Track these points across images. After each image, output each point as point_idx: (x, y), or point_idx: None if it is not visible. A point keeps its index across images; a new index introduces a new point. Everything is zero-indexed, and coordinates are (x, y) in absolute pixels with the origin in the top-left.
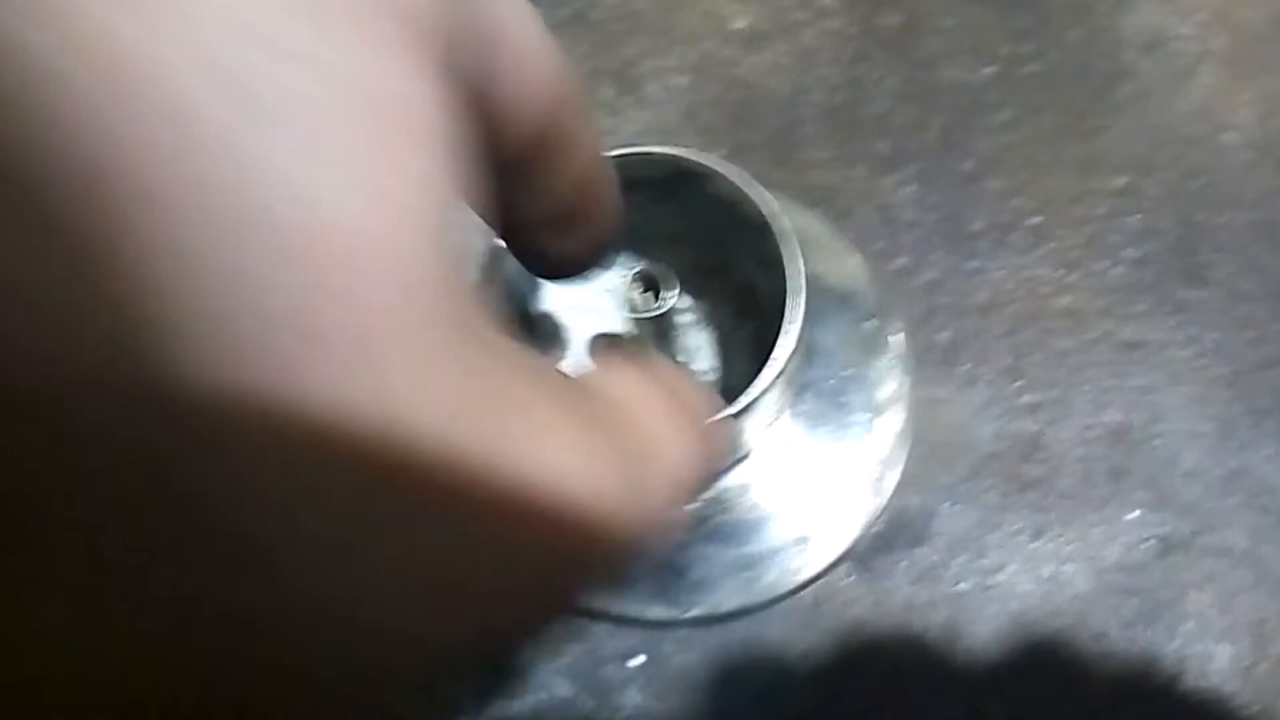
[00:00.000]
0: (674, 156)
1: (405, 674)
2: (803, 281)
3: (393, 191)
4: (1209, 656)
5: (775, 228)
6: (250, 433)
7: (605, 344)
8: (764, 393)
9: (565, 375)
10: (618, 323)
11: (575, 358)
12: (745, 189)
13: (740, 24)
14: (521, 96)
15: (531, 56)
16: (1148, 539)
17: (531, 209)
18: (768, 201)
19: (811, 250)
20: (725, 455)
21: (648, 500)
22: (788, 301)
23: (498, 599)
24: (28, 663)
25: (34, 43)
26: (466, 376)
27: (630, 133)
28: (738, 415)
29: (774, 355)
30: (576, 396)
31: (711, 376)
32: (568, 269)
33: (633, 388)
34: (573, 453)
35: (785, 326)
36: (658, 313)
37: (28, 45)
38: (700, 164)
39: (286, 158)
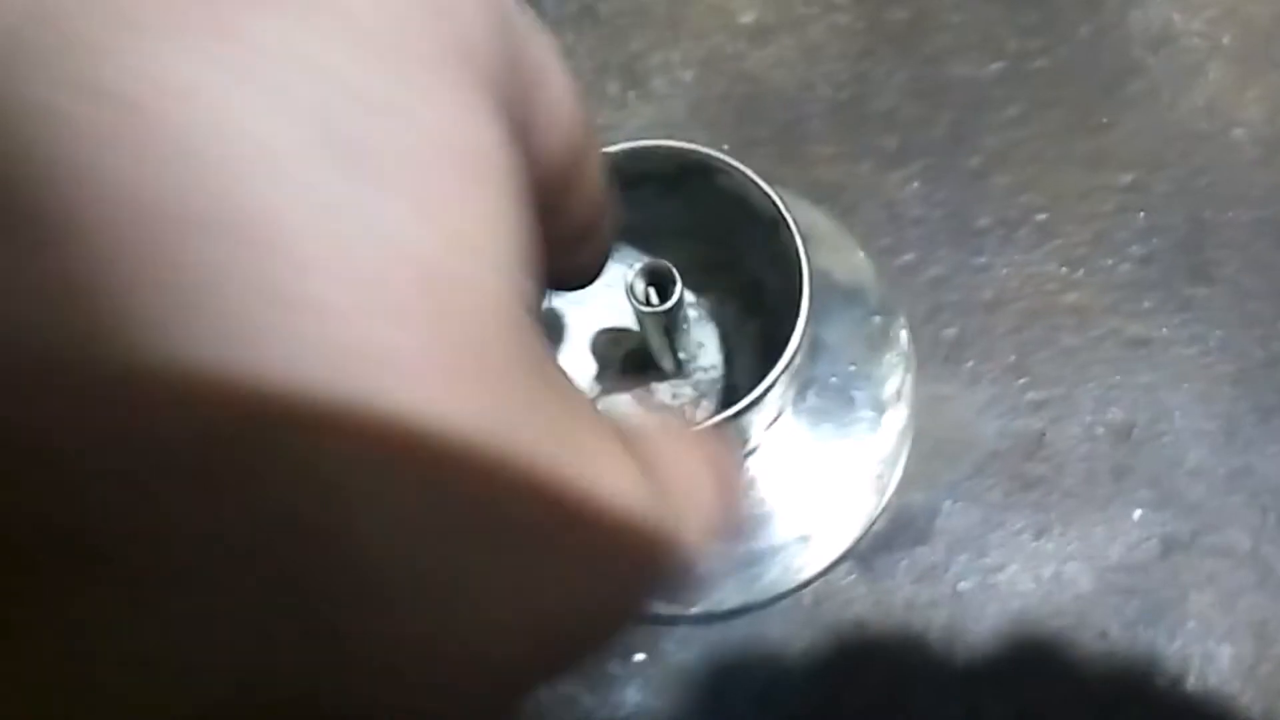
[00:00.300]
0: (681, 150)
1: (499, 698)
2: (809, 279)
3: (468, 232)
4: (1211, 657)
5: (785, 224)
6: (371, 467)
7: (610, 338)
8: (769, 389)
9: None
10: (624, 317)
11: (581, 352)
12: (751, 186)
13: (747, 18)
14: (554, 135)
15: (562, 96)
16: (1150, 538)
17: (546, 231)
18: (774, 198)
19: (817, 246)
20: (743, 507)
21: (692, 536)
22: (800, 299)
23: (588, 623)
24: (155, 688)
25: (129, 93)
26: (547, 410)
27: (636, 127)
28: (743, 412)
29: (784, 354)
30: (626, 435)
31: (715, 372)
32: (573, 282)
33: (664, 434)
34: (641, 486)
35: (797, 324)
36: (664, 308)
37: (124, 96)
38: (708, 158)
39: (370, 200)
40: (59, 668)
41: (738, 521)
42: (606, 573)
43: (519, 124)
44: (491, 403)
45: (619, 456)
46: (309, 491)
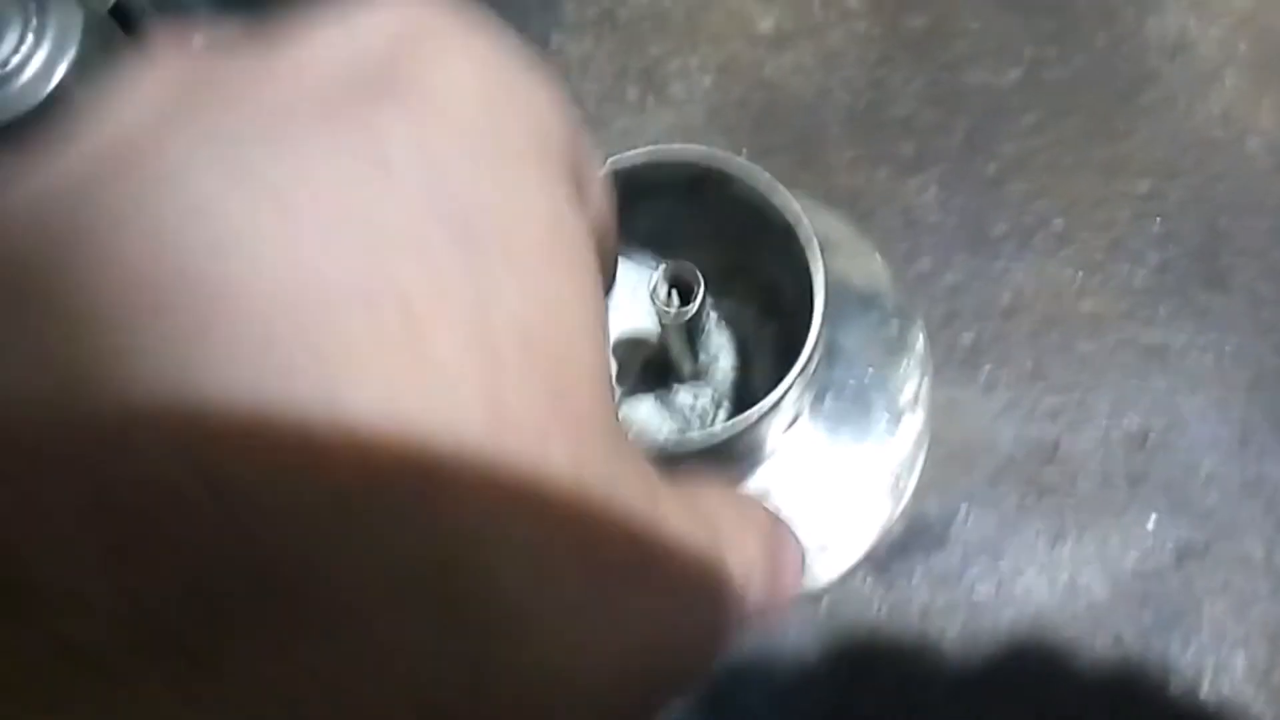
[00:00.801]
0: (696, 157)
1: None
2: (824, 285)
3: (562, 299)
4: (1225, 664)
5: (800, 232)
6: (505, 514)
7: (630, 343)
8: (784, 394)
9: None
10: (645, 321)
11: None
12: (768, 192)
13: (766, 25)
14: (595, 192)
15: (596, 163)
16: (1165, 546)
17: None
18: (791, 204)
19: (834, 251)
20: (796, 573)
21: (742, 578)
22: (814, 305)
23: (670, 657)
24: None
25: (281, 185)
26: (627, 460)
27: (655, 132)
28: (759, 417)
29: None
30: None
31: (734, 376)
32: None
33: (708, 486)
34: (700, 529)
35: (810, 331)
36: (688, 311)
37: (277, 186)
38: (723, 165)
39: (480, 273)
40: (271, 705)
41: (787, 575)
42: (680, 608)
43: (578, 192)
44: (589, 455)
45: (679, 500)
46: (462, 536)
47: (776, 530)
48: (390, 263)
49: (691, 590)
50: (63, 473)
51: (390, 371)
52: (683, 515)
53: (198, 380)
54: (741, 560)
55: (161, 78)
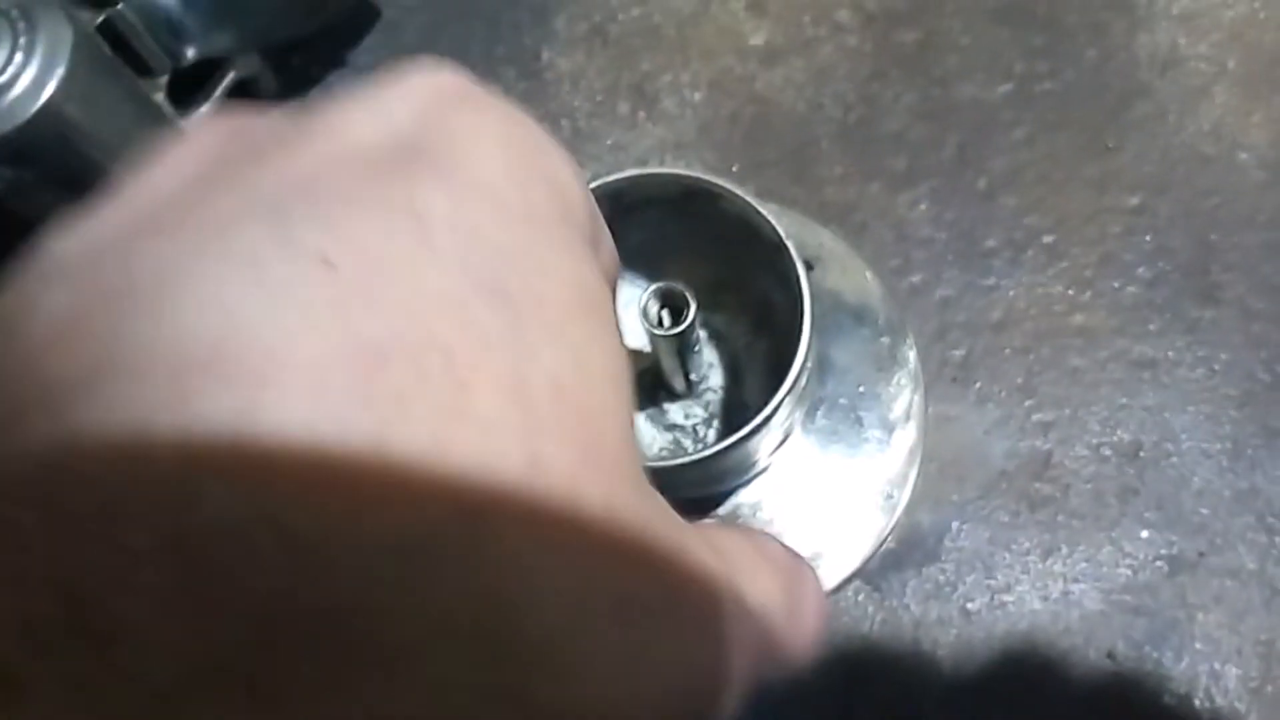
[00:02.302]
0: (682, 176)
1: None
2: (810, 302)
3: (589, 354)
4: (1217, 676)
5: (786, 250)
6: (549, 553)
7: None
8: (774, 411)
9: None
10: (636, 339)
11: None
12: (753, 210)
13: (757, 40)
14: (605, 250)
15: (608, 235)
16: (1157, 559)
17: None
18: (773, 224)
19: (826, 266)
20: (820, 612)
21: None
22: (802, 323)
23: (698, 687)
24: None
25: (337, 259)
26: (651, 499)
27: (646, 147)
28: (750, 434)
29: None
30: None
31: (725, 393)
32: None
33: (737, 539)
34: (720, 565)
35: (799, 349)
36: (678, 331)
37: (333, 259)
38: (709, 184)
39: (514, 332)
40: None
41: (808, 612)
42: (704, 641)
43: (595, 249)
44: (619, 496)
45: (701, 538)
46: (505, 575)
47: (797, 569)
48: (432, 321)
49: (715, 623)
50: (138, 518)
51: (435, 420)
52: (705, 552)
53: (257, 429)
54: (760, 596)
55: (208, 141)
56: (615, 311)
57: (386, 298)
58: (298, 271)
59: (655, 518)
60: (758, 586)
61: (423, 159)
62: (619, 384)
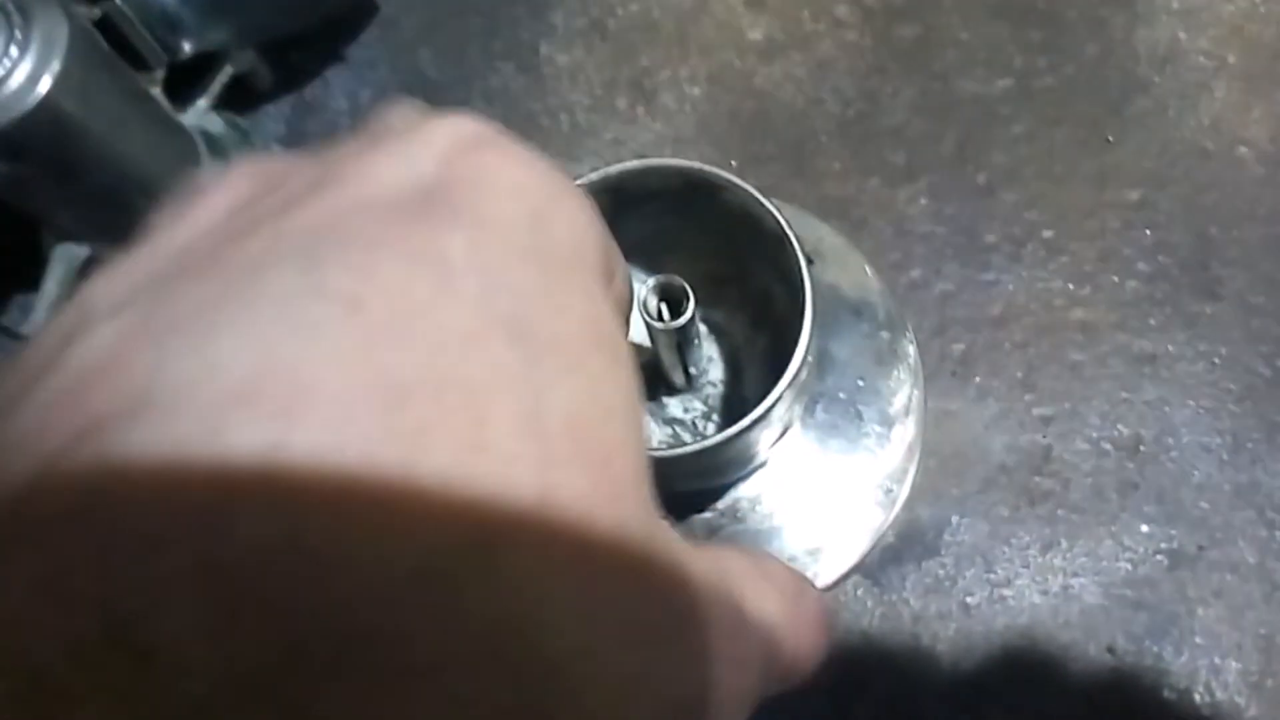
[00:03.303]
0: (686, 168)
1: None
2: (812, 296)
3: (601, 389)
4: (1218, 671)
5: (789, 242)
6: (560, 576)
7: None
8: (773, 405)
9: None
10: (635, 333)
11: None
12: (756, 201)
13: (756, 35)
14: (619, 281)
15: (623, 267)
16: (1157, 553)
17: None
18: (778, 215)
19: (825, 261)
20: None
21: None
22: (803, 316)
23: (707, 705)
24: None
25: (356, 293)
26: (657, 523)
27: (645, 142)
28: (749, 427)
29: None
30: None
31: (725, 387)
32: None
33: (740, 559)
34: (725, 583)
35: (799, 342)
36: (677, 324)
37: (352, 295)
38: (712, 176)
39: (532, 368)
40: None
41: (810, 631)
42: (705, 657)
43: (609, 291)
44: (629, 522)
45: (706, 560)
46: (522, 595)
47: (797, 586)
48: (453, 359)
49: (715, 642)
50: (175, 542)
51: (455, 451)
52: (709, 573)
53: (287, 459)
54: (761, 614)
55: (239, 185)
56: (627, 345)
57: (410, 336)
58: (327, 312)
59: (663, 544)
60: (759, 605)
61: (445, 205)
62: (631, 416)
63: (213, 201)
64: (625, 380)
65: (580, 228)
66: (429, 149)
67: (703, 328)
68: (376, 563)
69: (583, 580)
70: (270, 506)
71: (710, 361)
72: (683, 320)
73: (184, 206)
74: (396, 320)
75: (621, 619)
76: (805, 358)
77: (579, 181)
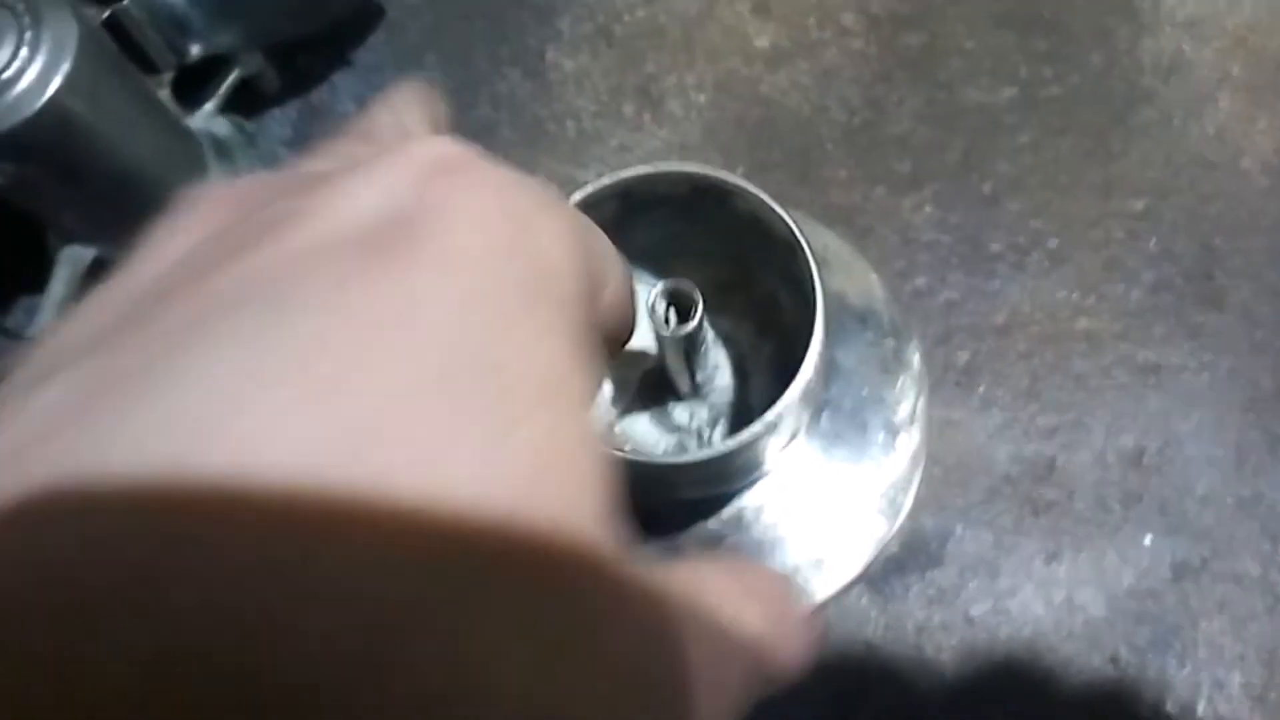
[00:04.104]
0: (695, 174)
1: None
2: (824, 306)
3: (569, 429)
4: (1221, 683)
5: (800, 249)
6: (523, 597)
7: (627, 360)
8: (783, 412)
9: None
10: (642, 339)
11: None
12: (767, 208)
13: (762, 42)
14: (610, 324)
15: (619, 284)
16: (1161, 565)
17: None
18: (790, 222)
19: (831, 269)
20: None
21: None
22: (814, 324)
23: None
24: None
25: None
26: (637, 554)
27: (651, 148)
28: (756, 435)
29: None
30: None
31: (731, 394)
32: None
33: (720, 572)
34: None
35: (810, 349)
36: (686, 330)
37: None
38: (722, 181)
39: (473, 432)
40: None
41: (794, 640)
42: (674, 673)
43: (589, 312)
44: (594, 547)
45: (670, 576)
46: (487, 633)
47: (774, 588)
48: (416, 396)
49: (697, 666)
50: (120, 601)
51: (418, 487)
52: (687, 596)
53: (246, 499)
54: (738, 621)
55: (206, 217)
56: (592, 376)
57: (374, 374)
58: (293, 350)
59: (635, 574)
60: (739, 621)
61: (413, 239)
62: (594, 450)
63: (179, 238)
64: (584, 418)
65: (555, 255)
66: (404, 177)
67: (710, 334)
68: (327, 609)
69: (552, 614)
70: (218, 557)
71: (717, 369)
72: (691, 326)
73: (153, 241)
74: (360, 358)
75: (592, 653)
76: (816, 365)
77: (588, 189)
